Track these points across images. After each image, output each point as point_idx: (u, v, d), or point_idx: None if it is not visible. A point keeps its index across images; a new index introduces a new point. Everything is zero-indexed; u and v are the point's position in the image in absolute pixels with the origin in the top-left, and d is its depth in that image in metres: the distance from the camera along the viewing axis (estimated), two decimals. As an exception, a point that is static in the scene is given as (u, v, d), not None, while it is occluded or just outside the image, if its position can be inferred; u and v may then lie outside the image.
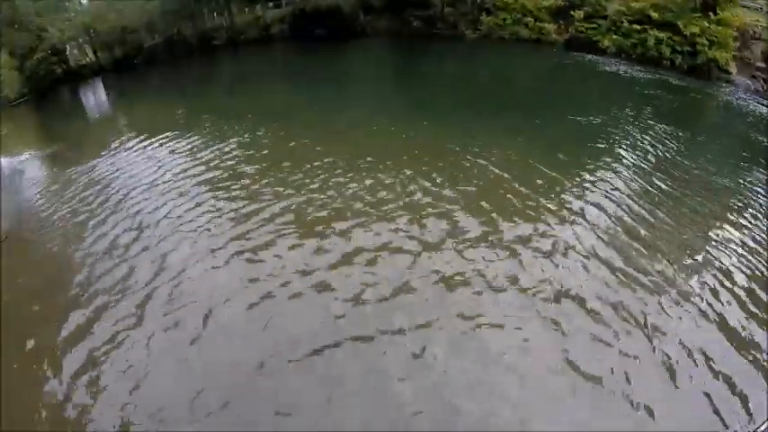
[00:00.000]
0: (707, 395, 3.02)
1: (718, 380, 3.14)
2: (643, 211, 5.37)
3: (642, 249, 4.64)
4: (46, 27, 23.96)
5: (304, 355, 3.61)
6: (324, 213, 5.63)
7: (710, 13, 14.32)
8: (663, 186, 6.05)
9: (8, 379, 3.71)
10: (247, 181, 6.89)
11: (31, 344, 4.11)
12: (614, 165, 6.74)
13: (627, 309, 3.83)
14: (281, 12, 21.60)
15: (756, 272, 4.41)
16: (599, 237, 4.84)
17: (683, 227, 5.12)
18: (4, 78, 27.84)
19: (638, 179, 6.25)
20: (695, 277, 4.32)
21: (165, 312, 4.32)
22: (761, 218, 5.51)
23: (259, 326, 4.04)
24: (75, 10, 25.00)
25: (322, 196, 6.04)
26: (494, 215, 5.14)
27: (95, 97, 23.50)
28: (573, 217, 5.16)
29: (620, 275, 4.23)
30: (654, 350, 3.50)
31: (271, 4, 21.82)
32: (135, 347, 3.94)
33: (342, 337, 3.70)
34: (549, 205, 5.39)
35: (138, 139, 10.24)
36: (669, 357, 3.36)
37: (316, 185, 6.36)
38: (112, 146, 10.26)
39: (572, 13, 16.13)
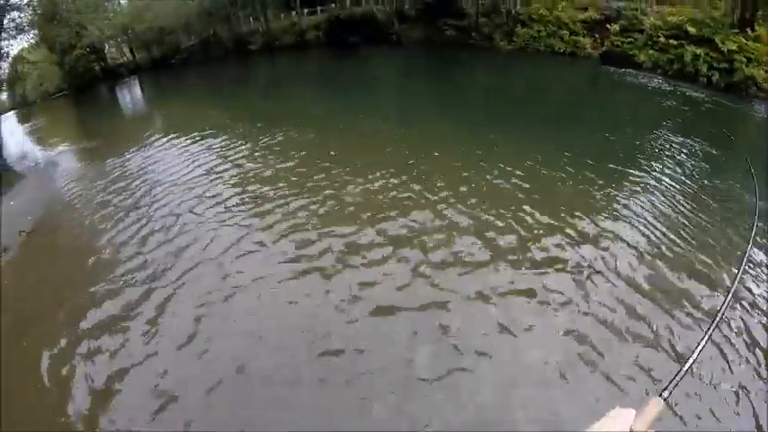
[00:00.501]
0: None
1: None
2: (671, 233, 4.92)
3: (669, 271, 4.26)
4: (85, 25, 24.84)
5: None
6: (345, 216, 5.60)
7: (748, 30, 14.49)
8: (692, 206, 5.64)
9: (27, 375, 3.69)
10: (276, 181, 6.93)
11: (55, 341, 4.06)
12: (645, 180, 6.43)
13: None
14: (316, 18, 22.18)
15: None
16: (625, 256, 4.47)
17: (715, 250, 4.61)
18: (44, 72, 28.96)
19: (668, 197, 5.90)
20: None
21: (197, 304, 4.26)
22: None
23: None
24: (114, 10, 25.90)
25: (346, 198, 6.02)
26: (518, 230, 4.96)
27: (131, 95, 24.24)
28: (599, 235, 4.84)
29: (648, 297, 3.91)
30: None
31: (306, 10, 22.39)
32: (165, 342, 3.88)
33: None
34: (574, 222, 5.06)
35: (172, 137, 10.51)
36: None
37: (336, 187, 6.37)
38: (146, 142, 10.55)
39: (608, 26, 16.37)
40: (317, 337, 3.65)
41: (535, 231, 4.92)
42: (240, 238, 5.26)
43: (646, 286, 4.04)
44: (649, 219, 5.22)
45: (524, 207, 5.43)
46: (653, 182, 6.30)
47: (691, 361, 0.91)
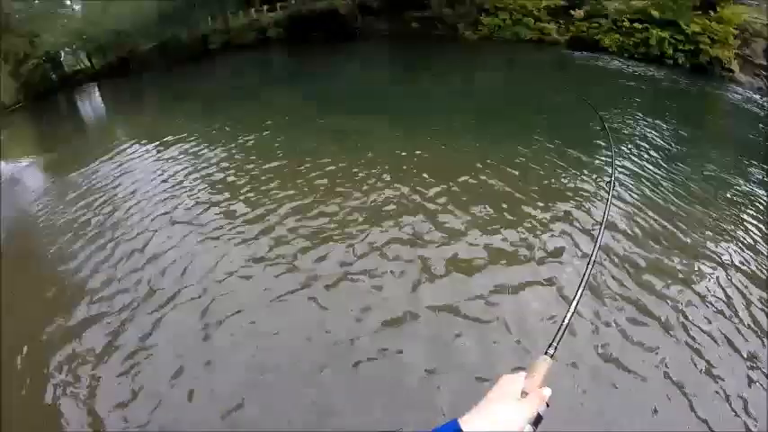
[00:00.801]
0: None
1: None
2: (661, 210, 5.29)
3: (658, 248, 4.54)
4: (38, 33, 23.79)
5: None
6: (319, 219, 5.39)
7: (711, 11, 14.29)
8: (671, 185, 6.06)
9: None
10: (251, 184, 6.67)
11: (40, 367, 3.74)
12: (620, 161, 6.72)
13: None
14: (276, 15, 21.46)
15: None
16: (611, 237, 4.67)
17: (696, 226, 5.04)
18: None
19: (643, 178, 6.21)
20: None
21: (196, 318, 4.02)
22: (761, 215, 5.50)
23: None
24: (68, 15, 24.81)
25: (324, 199, 5.83)
26: (504, 223, 4.96)
27: (91, 103, 23.34)
28: (576, 217, 5.01)
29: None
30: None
31: (266, 7, 21.65)
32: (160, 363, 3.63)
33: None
34: (558, 207, 5.24)
35: (136, 145, 10.07)
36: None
37: (320, 189, 6.16)
38: (111, 152, 10.01)
39: (572, 12, 16.06)
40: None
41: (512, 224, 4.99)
42: (220, 257, 4.86)
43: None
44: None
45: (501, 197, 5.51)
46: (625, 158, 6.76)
47: (569, 316, 0.94)
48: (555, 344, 0.87)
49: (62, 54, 25.40)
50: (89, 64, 25.59)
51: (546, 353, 0.84)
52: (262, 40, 21.52)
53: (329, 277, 4.26)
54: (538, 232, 4.77)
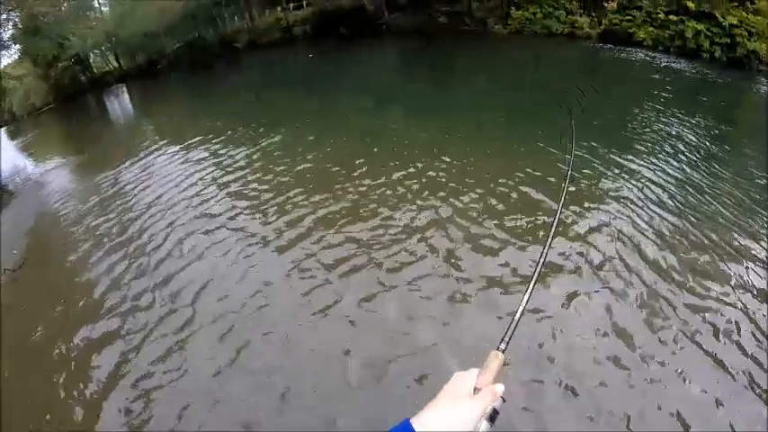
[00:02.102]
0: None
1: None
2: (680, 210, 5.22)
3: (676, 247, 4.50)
4: (67, 35, 24.28)
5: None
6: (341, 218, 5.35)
7: (748, 3, 14.20)
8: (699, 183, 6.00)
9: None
10: (277, 190, 6.49)
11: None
12: (652, 159, 6.63)
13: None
14: (302, 13, 21.64)
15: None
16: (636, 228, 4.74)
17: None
18: (29, 87, 28.44)
19: (675, 175, 6.17)
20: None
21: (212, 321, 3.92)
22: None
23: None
24: (96, 17, 25.22)
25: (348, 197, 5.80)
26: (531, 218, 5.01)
27: (120, 104, 23.85)
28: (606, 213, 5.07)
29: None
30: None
31: (292, 5, 21.83)
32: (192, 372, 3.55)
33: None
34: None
35: (162, 147, 10.17)
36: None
37: (349, 197, 5.98)
38: (138, 154, 10.09)
39: (605, 4, 16.03)
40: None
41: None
42: (246, 271, 4.68)
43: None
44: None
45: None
46: (656, 157, 6.42)
47: (520, 310, 0.92)
48: (506, 339, 0.86)
49: (91, 56, 25.95)
50: (117, 65, 26.15)
51: (498, 348, 0.84)
52: (288, 39, 21.76)
53: (362, 292, 4.09)
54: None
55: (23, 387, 3.81)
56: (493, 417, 0.72)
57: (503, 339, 0.86)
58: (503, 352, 0.83)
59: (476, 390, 0.75)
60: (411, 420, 0.68)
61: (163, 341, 3.91)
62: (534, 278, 0.99)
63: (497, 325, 3.47)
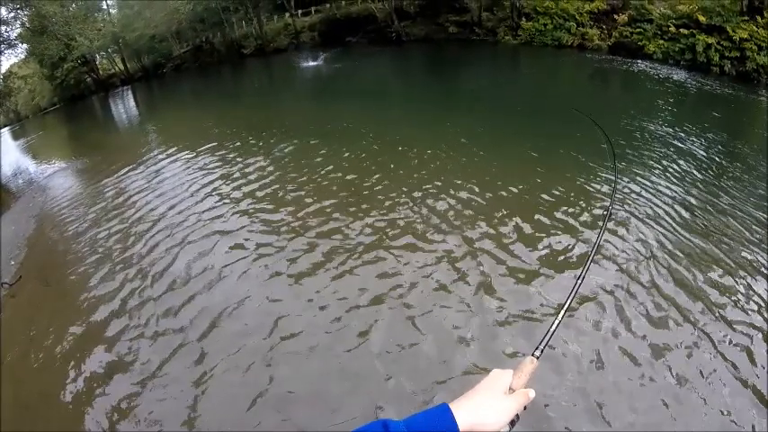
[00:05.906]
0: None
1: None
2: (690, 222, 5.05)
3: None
4: (74, 36, 24.41)
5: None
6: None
7: (758, 17, 14.34)
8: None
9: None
10: (287, 197, 6.37)
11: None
12: (665, 174, 6.41)
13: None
14: (310, 19, 21.79)
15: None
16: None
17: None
18: (35, 87, 28.58)
19: (684, 189, 6.00)
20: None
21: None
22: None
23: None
24: (104, 19, 25.39)
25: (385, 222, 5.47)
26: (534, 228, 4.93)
27: (125, 106, 24.01)
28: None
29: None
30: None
31: (300, 11, 21.98)
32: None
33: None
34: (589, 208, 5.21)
35: (167, 152, 10.03)
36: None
37: (366, 205, 5.81)
38: (143, 159, 9.95)
39: (615, 16, 16.18)
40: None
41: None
42: (265, 291, 4.34)
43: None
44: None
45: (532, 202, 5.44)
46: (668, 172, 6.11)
47: (557, 321, 0.97)
48: (541, 347, 0.90)
49: (97, 57, 26.09)
50: (123, 67, 26.30)
51: (533, 354, 0.87)
52: (296, 44, 21.88)
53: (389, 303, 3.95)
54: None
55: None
56: (513, 421, 0.75)
57: (537, 347, 0.90)
58: (537, 358, 0.87)
59: (510, 390, 0.79)
60: (450, 405, 0.71)
61: (174, 377, 3.52)
62: (577, 284, 1.08)
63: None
